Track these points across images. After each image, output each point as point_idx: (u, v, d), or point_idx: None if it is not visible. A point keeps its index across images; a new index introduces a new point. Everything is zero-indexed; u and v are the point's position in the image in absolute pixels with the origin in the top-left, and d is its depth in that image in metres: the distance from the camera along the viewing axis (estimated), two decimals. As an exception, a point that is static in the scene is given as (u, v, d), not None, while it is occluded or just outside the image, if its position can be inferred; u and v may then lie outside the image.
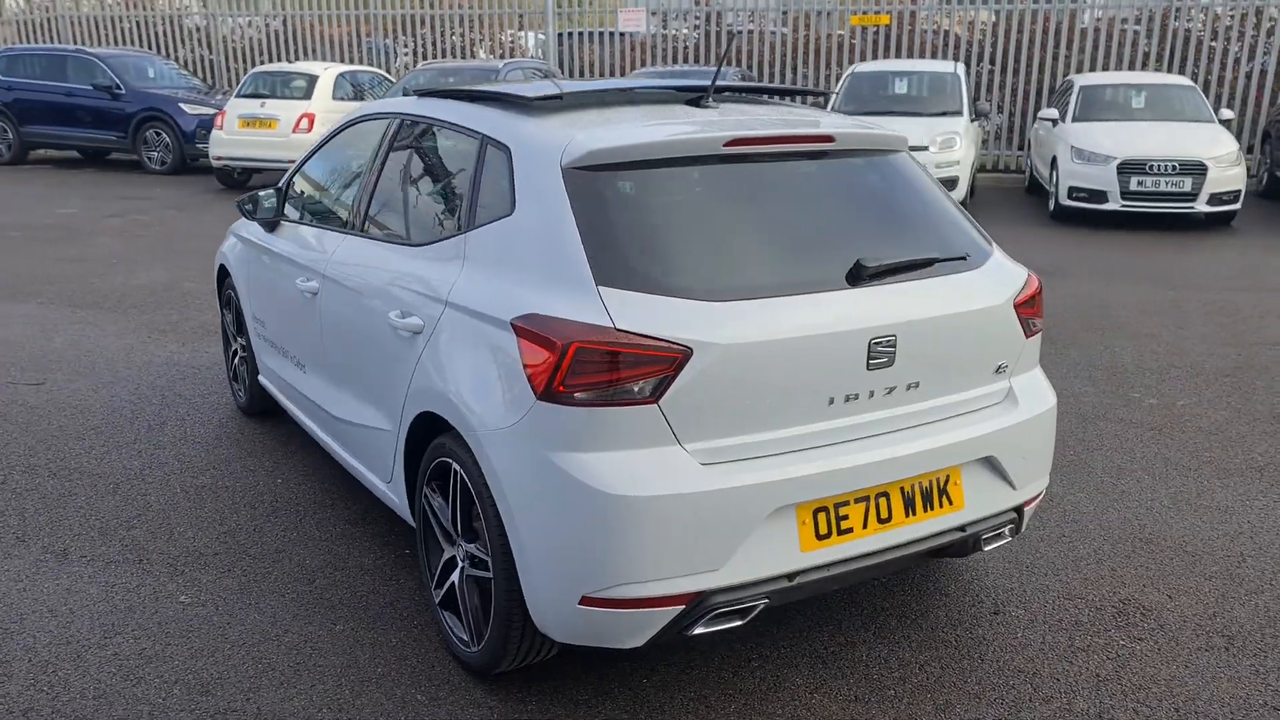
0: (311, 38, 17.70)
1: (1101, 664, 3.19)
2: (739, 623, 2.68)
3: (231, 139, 13.19)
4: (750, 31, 15.48)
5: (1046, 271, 8.08)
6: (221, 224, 9.23)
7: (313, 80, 13.60)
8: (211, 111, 14.17)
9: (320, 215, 4.19)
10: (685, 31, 15.87)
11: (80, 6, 19.36)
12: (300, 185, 4.42)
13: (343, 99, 13.58)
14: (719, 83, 3.41)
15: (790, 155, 3.03)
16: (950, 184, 10.79)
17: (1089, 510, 4.25)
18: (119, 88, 14.92)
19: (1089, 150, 10.84)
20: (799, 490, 2.64)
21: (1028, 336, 3.14)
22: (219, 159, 13.32)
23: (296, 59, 17.43)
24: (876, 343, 2.73)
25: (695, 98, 3.34)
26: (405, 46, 16.91)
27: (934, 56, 15.33)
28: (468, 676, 3.07)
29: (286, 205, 4.41)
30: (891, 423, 2.84)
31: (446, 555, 3.11)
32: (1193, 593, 3.61)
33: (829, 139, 3.09)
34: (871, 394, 2.77)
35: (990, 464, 3.00)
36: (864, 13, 15.23)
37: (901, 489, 2.81)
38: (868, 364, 2.72)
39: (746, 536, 2.58)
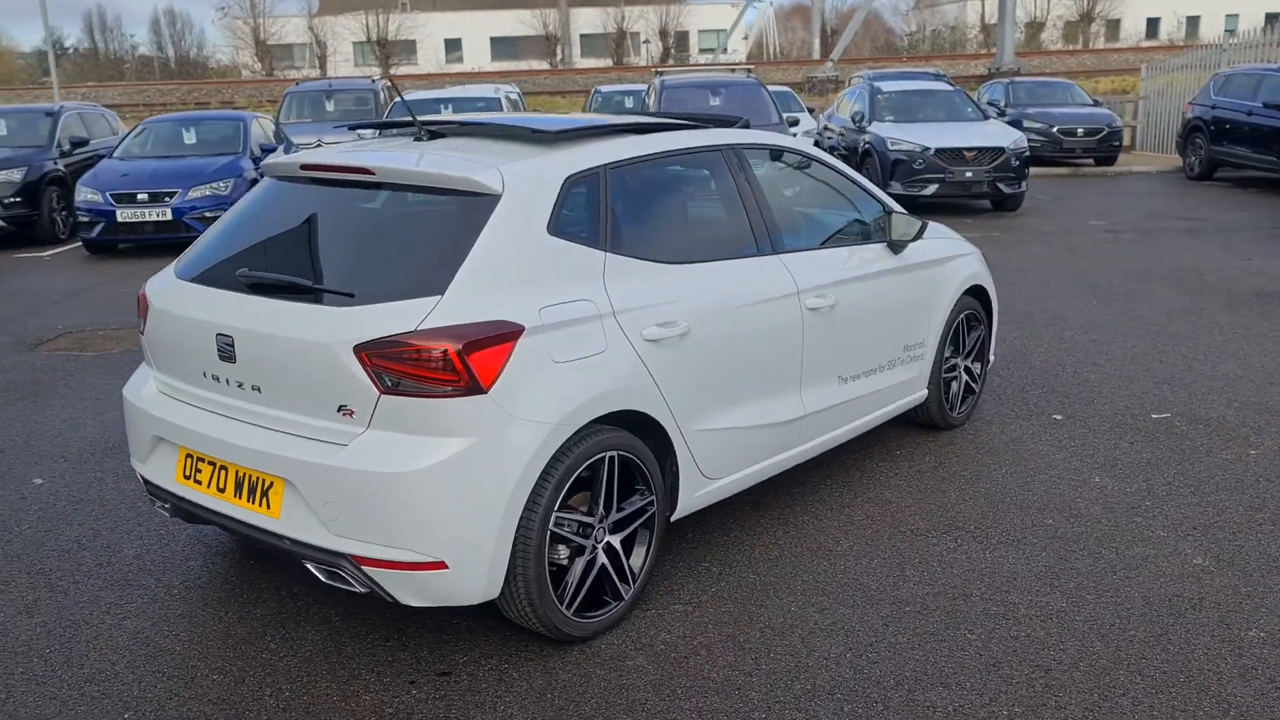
0: None
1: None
2: (184, 521, 3.74)
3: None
4: None
5: None
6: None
7: None
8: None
9: None
10: None
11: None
12: None
13: None
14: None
15: (349, 183, 3.56)
16: None
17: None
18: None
19: None
20: (168, 432, 3.57)
21: (381, 391, 3.05)
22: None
23: None
24: (221, 337, 3.37)
25: (416, 134, 3.86)
26: None
27: None
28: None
29: None
30: (240, 412, 3.39)
31: None
32: None
33: (369, 172, 3.47)
34: (229, 381, 3.41)
35: (298, 492, 3.18)
36: None
37: (236, 472, 3.37)
38: (218, 353, 3.39)
39: (151, 450, 3.68)
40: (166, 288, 3.65)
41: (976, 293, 5.47)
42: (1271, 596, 3.69)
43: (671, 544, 4.15)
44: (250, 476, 3.31)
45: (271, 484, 3.25)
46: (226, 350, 3.34)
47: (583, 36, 59.64)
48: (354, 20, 53.57)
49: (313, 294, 3.24)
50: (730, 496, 4.38)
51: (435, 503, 3.04)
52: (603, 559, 3.48)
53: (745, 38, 66.60)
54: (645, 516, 3.61)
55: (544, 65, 52.00)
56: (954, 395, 5.41)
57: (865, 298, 4.54)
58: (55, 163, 13.78)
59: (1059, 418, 5.63)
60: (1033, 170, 17.96)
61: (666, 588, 3.83)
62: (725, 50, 61.53)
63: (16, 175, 13.15)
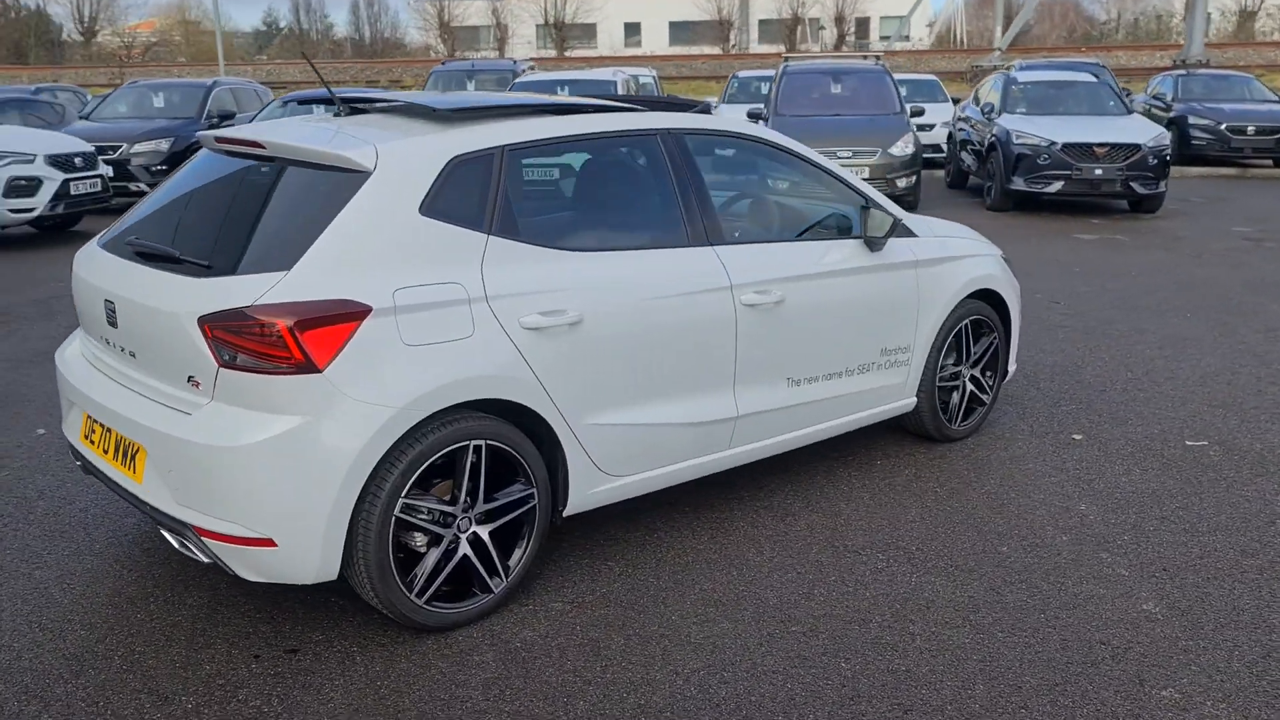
0: None
1: None
2: (92, 476, 3.87)
3: None
4: None
5: None
6: None
7: None
8: None
9: None
10: None
11: None
12: None
13: None
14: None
15: (247, 155, 3.59)
16: None
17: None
18: None
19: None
20: (72, 393, 3.69)
21: (220, 364, 3.06)
22: None
23: None
24: (108, 303, 3.46)
25: (336, 110, 3.85)
26: None
27: None
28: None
29: None
30: (121, 376, 3.48)
31: None
32: None
33: (260, 146, 3.49)
34: (114, 344, 3.50)
35: (156, 461, 3.23)
36: None
37: (115, 435, 3.46)
38: (106, 318, 3.49)
39: (68, 410, 3.82)
40: (84, 254, 3.77)
41: (988, 297, 5.08)
42: (1209, 654, 3.27)
43: (583, 539, 4.03)
44: (123, 441, 3.38)
45: (138, 449, 3.31)
46: (111, 316, 3.42)
47: (761, 22, 59.11)
48: (534, 3, 54.70)
49: (178, 264, 3.27)
50: (671, 496, 4.26)
51: (262, 479, 3.03)
52: (466, 549, 3.39)
53: (930, 25, 64.43)
54: (525, 509, 3.51)
55: (716, 50, 51.79)
56: (954, 406, 5.04)
57: (826, 296, 4.27)
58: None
59: (1078, 437, 5.17)
60: (1197, 170, 16.76)
61: (557, 583, 3.72)
62: (907, 38, 59.70)
63: (164, 145, 14.01)
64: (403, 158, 3.33)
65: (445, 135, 3.46)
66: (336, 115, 3.86)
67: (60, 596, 3.63)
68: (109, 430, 3.45)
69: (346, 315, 3.06)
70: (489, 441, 3.35)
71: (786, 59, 14.88)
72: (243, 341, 3.01)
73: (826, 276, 4.28)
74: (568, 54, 52.61)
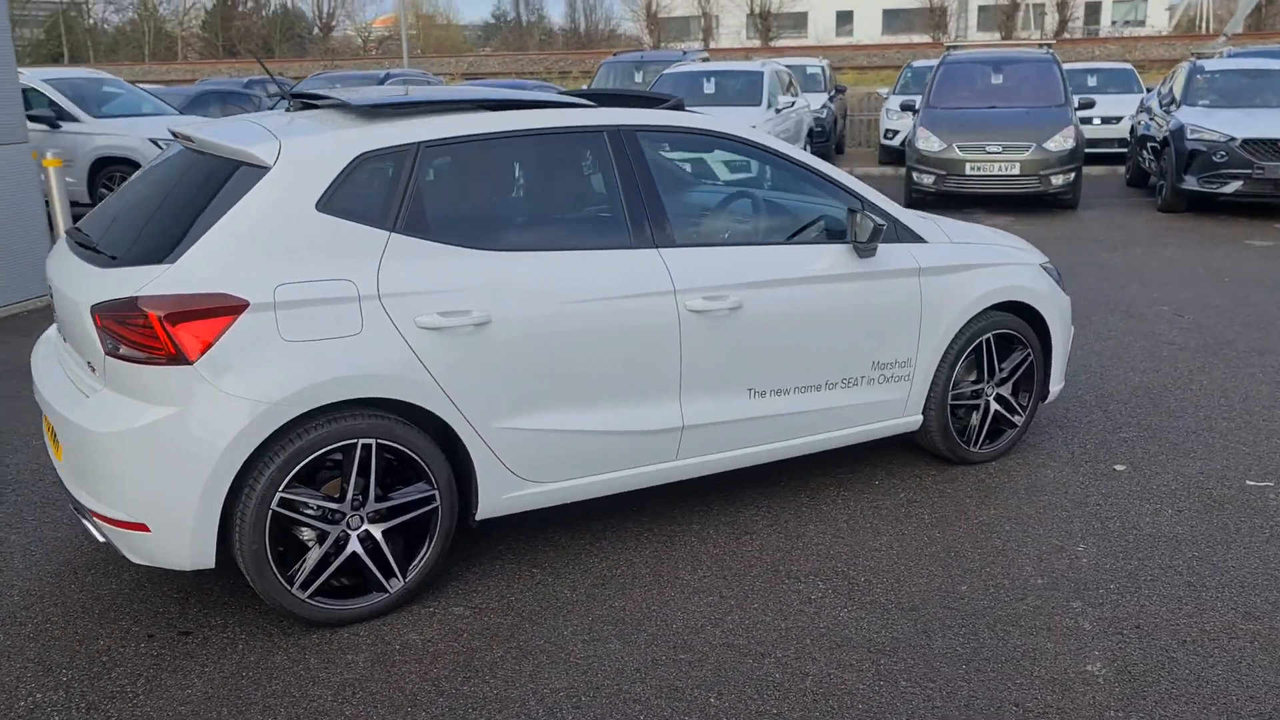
0: None
1: None
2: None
3: None
4: None
5: None
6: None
7: None
8: None
9: None
10: None
11: None
12: None
13: None
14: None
15: (189, 149, 3.71)
16: None
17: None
18: None
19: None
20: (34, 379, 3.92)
21: (106, 354, 3.17)
22: None
23: None
24: (51, 289, 3.65)
25: (290, 105, 3.91)
26: None
27: None
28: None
29: None
30: (61, 360, 3.66)
31: None
32: None
33: (189, 139, 3.60)
34: (58, 328, 3.69)
35: (62, 443, 3.39)
36: None
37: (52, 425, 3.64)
38: (53, 305, 3.68)
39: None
40: (56, 244, 3.98)
41: (1021, 311, 4.64)
42: (1133, 730, 2.86)
43: (521, 542, 3.95)
44: (49, 424, 3.55)
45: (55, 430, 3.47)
46: (52, 302, 3.60)
47: (980, 8, 56.61)
48: (742, -7, 54.42)
49: (96, 254, 3.39)
50: (634, 503, 4.16)
51: (135, 466, 3.10)
52: (356, 547, 3.37)
53: (1169, 9, 59.90)
54: (427, 510, 3.46)
55: (926, 39, 49.97)
56: (972, 427, 4.63)
57: (797, 304, 4.00)
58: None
59: (1120, 468, 4.65)
60: None
61: (470, 587, 3.65)
62: (1141, 23, 55.83)
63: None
64: (304, 153, 3.33)
65: (354, 131, 3.44)
66: (288, 110, 3.92)
67: (18, 562, 3.87)
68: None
69: (220, 309, 3.09)
70: (380, 441, 3.31)
71: (949, 49, 14.15)
72: (124, 331, 3.10)
73: (798, 283, 4.00)
74: (774, 43, 52.03)
